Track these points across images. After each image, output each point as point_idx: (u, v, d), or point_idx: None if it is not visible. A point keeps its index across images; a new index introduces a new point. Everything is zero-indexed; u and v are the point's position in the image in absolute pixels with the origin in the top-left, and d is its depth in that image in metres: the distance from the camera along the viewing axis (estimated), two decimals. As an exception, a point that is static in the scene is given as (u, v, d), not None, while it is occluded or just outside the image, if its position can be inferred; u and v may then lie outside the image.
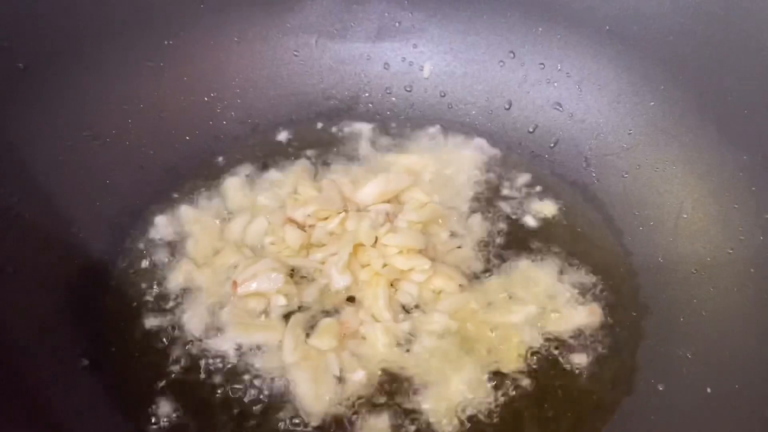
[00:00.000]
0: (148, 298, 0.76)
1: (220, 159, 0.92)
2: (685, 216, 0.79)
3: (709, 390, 0.63)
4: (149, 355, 0.71)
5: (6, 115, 0.75)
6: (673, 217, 0.80)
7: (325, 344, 0.70)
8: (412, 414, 0.67)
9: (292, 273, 0.78)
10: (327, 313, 0.75)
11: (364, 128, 0.96)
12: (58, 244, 0.76)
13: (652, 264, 0.78)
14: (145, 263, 0.80)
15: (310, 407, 0.68)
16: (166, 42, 0.92)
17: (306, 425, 0.66)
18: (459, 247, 0.80)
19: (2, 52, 0.76)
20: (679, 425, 0.62)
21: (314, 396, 0.68)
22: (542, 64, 0.94)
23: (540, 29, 0.93)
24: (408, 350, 0.72)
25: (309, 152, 0.93)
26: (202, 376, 0.70)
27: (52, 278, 0.72)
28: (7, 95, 0.76)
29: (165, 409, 0.67)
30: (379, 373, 0.70)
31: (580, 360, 0.71)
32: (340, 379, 0.69)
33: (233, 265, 0.79)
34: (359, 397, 0.69)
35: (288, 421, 0.67)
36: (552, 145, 0.93)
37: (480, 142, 0.94)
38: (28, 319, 0.67)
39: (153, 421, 0.66)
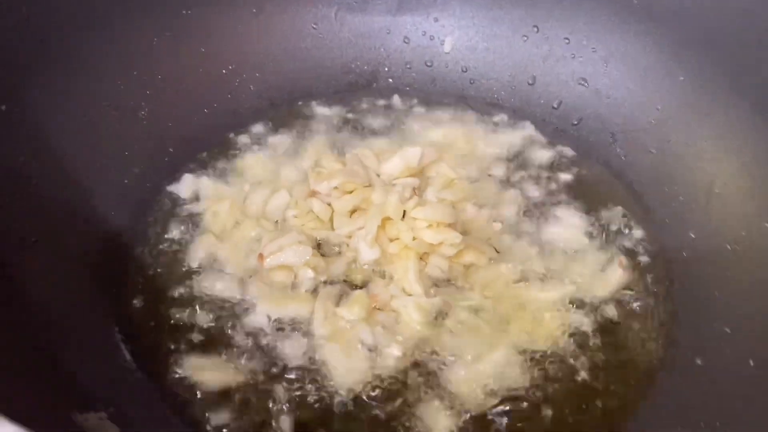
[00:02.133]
0: (170, 269, 0.74)
1: (239, 132, 0.90)
2: (717, 191, 0.78)
3: (752, 362, 0.62)
4: (175, 323, 0.70)
5: (28, 86, 0.73)
6: (704, 193, 0.79)
7: (354, 314, 0.69)
8: (442, 390, 0.66)
9: (319, 246, 0.76)
10: (356, 287, 0.73)
11: (391, 102, 0.95)
12: (79, 216, 0.74)
13: (684, 240, 0.77)
14: (165, 235, 0.78)
15: (340, 379, 0.66)
16: (184, 12, 0.89)
17: (333, 397, 0.65)
18: (491, 221, 0.79)
19: (25, 25, 0.73)
20: (721, 399, 0.61)
21: (345, 368, 0.67)
22: (567, 38, 0.93)
23: (565, 2, 0.92)
24: (441, 326, 0.70)
25: (329, 126, 0.91)
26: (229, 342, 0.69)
27: (73, 249, 0.71)
28: (31, 67, 0.73)
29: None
30: (412, 347, 0.69)
31: (615, 327, 0.71)
32: (373, 353, 0.68)
33: (255, 238, 0.77)
34: (391, 371, 0.67)
35: (317, 392, 0.65)
36: (576, 122, 0.91)
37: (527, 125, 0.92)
38: (51, 287, 0.65)
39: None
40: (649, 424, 0.64)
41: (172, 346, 0.68)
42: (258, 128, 0.91)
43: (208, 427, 0.62)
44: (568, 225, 0.81)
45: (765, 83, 0.74)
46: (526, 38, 0.95)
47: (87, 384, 0.58)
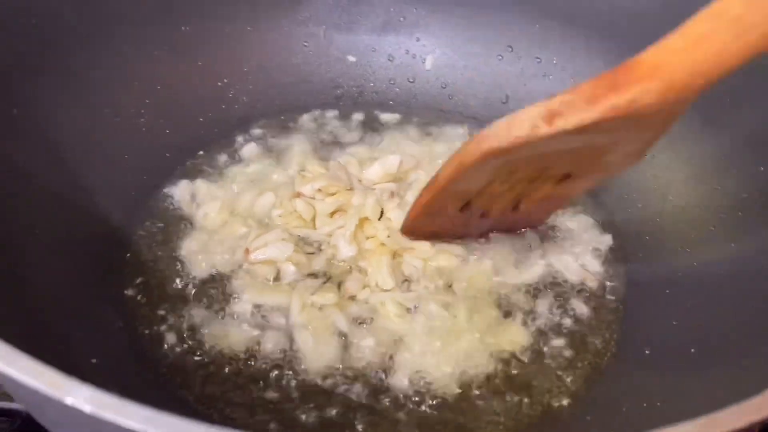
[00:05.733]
0: (165, 263, 0.81)
1: (232, 139, 0.97)
2: (671, 198, 0.84)
3: (693, 350, 0.68)
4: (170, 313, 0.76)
5: (36, 87, 0.79)
6: (659, 200, 0.85)
7: (328, 300, 0.75)
8: (412, 373, 0.72)
9: (300, 244, 0.82)
10: (332, 281, 0.79)
11: (375, 115, 1.03)
12: (80, 213, 0.80)
13: (640, 243, 0.83)
14: (160, 232, 0.84)
15: (310, 362, 0.72)
16: (183, 28, 0.97)
17: (301, 379, 0.71)
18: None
19: (35, 35, 0.80)
20: (666, 382, 0.67)
21: (316, 352, 0.73)
22: (538, 58, 1.00)
23: (537, 26, 0.99)
24: (412, 320, 0.76)
25: (316, 136, 0.98)
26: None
27: (75, 243, 0.76)
28: (40, 75, 0.80)
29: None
30: (384, 340, 0.75)
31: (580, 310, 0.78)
32: (347, 340, 0.74)
33: (242, 235, 0.83)
34: (364, 358, 0.73)
35: (287, 375, 0.71)
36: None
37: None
38: (54, 277, 0.71)
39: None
40: (599, 405, 0.69)
41: (164, 327, 0.75)
42: (249, 136, 0.97)
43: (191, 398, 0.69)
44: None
45: (712, 97, 0.81)
46: (501, 57, 1.02)
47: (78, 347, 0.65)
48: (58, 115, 0.81)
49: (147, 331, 0.74)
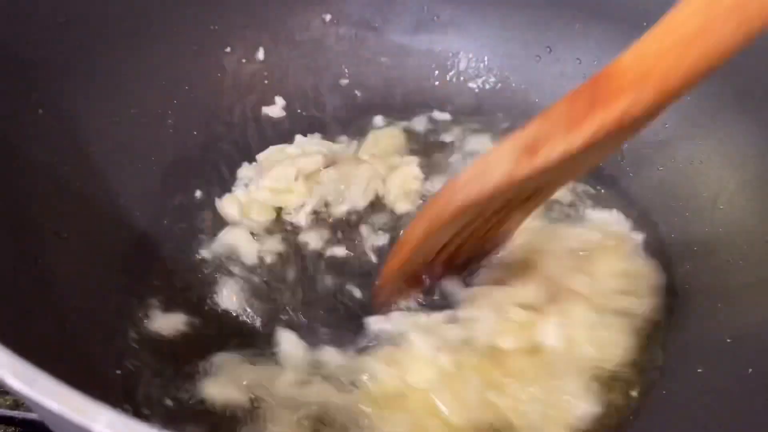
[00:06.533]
0: (191, 263, 0.79)
1: (258, 139, 0.94)
2: (721, 207, 0.80)
3: (750, 371, 0.64)
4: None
5: (62, 88, 0.77)
6: (708, 208, 0.81)
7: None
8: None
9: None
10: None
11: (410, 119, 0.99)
12: (106, 214, 0.78)
13: (688, 253, 0.79)
14: (184, 233, 0.82)
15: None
16: (212, 27, 0.94)
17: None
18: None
19: (62, 34, 0.78)
20: (718, 404, 0.63)
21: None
22: (579, 59, 0.96)
23: (577, 26, 0.95)
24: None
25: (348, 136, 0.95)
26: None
27: (102, 245, 0.74)
28: (65, 70, 0.78)
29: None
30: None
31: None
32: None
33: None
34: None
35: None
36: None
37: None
38: (81, 280, 0.69)
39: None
40: (650, 426, 0.65)
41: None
42: (276, 137, 0.94)
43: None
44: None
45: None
46: (539, 58, 0.98)
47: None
48: (84, 116, 0.79)
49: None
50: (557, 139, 0.49)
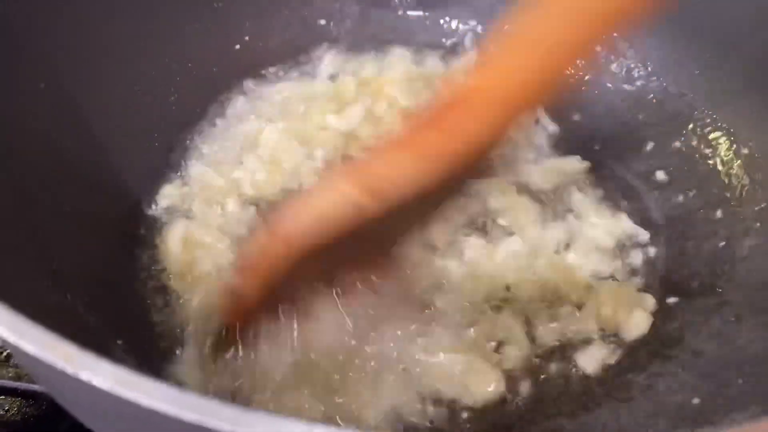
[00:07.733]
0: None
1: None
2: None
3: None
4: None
5: (64, 63, 0.77)
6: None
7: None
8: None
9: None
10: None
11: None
12: (108, 189, 0.78)
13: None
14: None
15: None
16: (215, 4, 0.94)
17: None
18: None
19: (64, 9, 0.77)
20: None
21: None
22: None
23: None
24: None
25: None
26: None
27: (104, 220, 0.75)
28: (67, 45, 0.77)
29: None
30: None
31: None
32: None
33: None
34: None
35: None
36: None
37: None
38: (83, 256, 0.69)
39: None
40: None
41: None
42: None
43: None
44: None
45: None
46: (545, 33, 0.97)
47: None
48: (87, 92, 0.79)
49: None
50: (399, 167, 0.49)
